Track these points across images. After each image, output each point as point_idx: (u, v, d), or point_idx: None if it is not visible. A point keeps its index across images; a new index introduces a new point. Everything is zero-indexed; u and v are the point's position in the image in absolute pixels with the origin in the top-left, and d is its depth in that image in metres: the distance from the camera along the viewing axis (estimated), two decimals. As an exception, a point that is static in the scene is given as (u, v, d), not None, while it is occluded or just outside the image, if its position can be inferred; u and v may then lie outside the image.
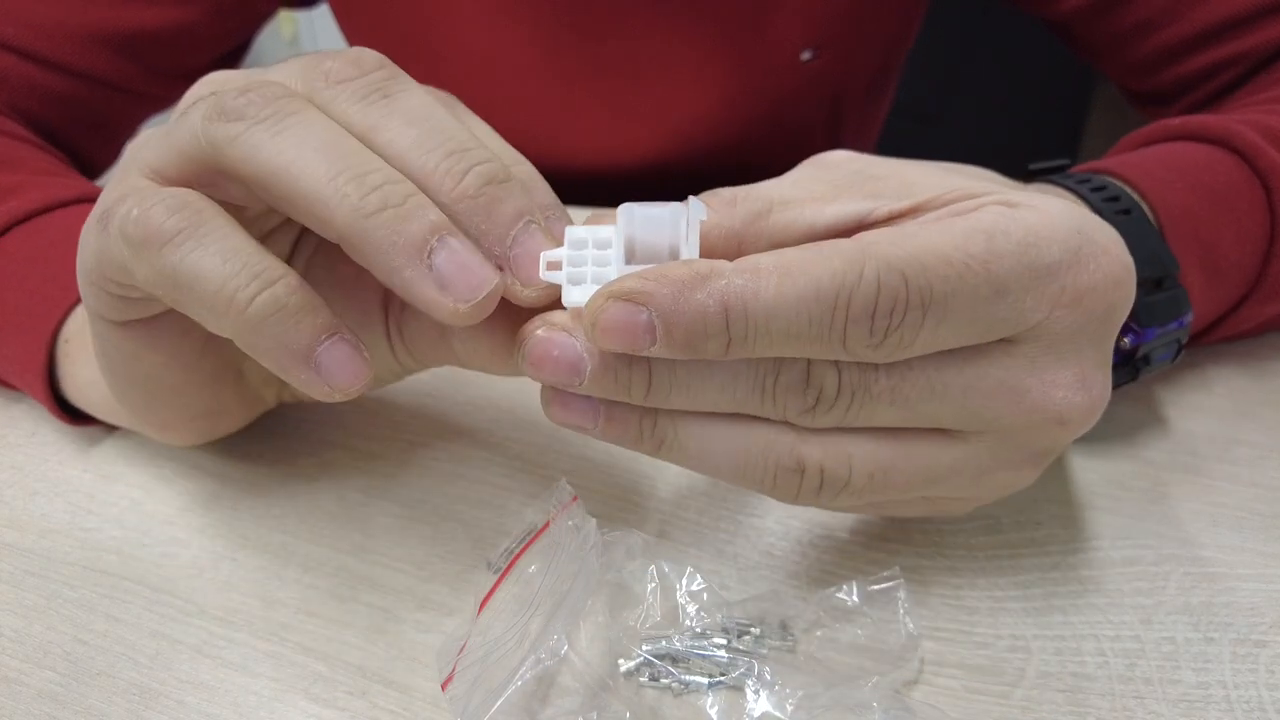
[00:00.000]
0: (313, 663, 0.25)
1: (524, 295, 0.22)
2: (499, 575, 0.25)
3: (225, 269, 0.20)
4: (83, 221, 0.24)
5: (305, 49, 2.22)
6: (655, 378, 0.21)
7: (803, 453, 0.22)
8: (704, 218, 0.21)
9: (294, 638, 0.26)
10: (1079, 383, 0.22)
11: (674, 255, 0.21)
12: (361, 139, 0.21)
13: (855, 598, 0.25)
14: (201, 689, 0.25)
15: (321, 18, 0.60)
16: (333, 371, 0.21)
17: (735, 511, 0.30)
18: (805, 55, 0.52)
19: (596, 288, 0.20)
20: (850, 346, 0.20)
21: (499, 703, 0.22)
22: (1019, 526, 0.28)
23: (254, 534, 0.30)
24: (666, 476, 0.31)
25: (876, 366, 0.21)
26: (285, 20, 2.14)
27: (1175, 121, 0.36)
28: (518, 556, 0.26)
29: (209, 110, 0.21)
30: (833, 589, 0.26)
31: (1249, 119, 0.35)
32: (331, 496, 0.31)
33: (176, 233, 0.21)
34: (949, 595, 0.27)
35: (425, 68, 0.55)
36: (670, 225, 0.21)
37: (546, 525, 0.26)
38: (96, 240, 0.22)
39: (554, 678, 0.24)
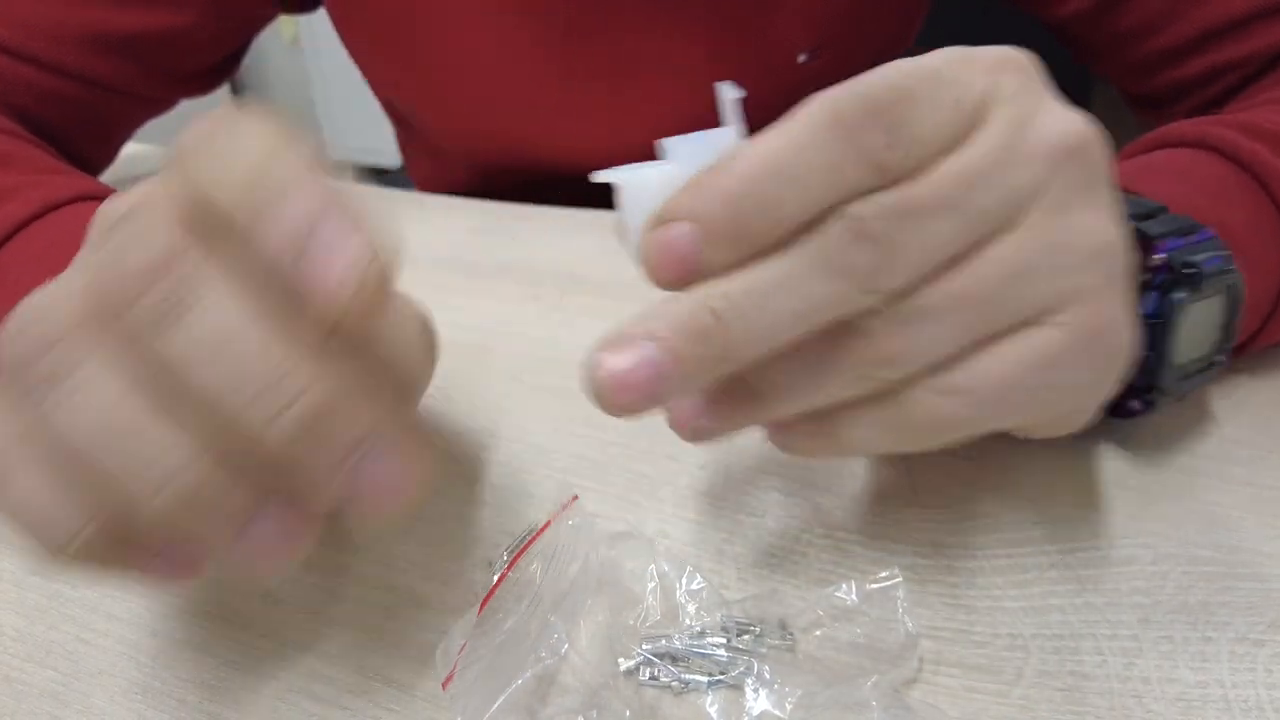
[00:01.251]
0: (314, 662, 0.26)
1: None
2: (500, 574, 0.25)
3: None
4: (81, 220, 0.24)
5: (305, 50, 2.22)
6: (719, 307, 0.20)
7: (880, 336, 0.21)
8: (739, 94, 0.21)
9: (295, 637, 0.26)
10: (1110, 216, 0.22)
11: (722, 138, 0.22)
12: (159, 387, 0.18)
13: (854, 597, 0.26)
14: (203, 688, 0.25)
15: (321, 20, 0.60)
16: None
17: (735, 511, 0.30)
18: (801, 57, 0.52)
19: (650, 170, 0.22)
20: (871, 146, 0.19)
21: (499, 701, 0.22)
22: (1017, 526, 0.29)
23: (255, 534, 0.30)
24: (666, 476, 0.32)
25: (906, 186, 0.20)
26: (286, 23, 2.14)
27: (1152, 134, 0.36)
28: (518, 556, 0.26)
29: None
30: (832, 588, 0.26)
31: (1225, 119, 0.35)
32: (332, 496, 0.31)
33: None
34: (947, 594, 0.27)
35: (421, 71, 0.55)
36: (706, 140, 0.22)
37: (547, 525, 0.26)
38: None
39: (554, 676, 0.25)
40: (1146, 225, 0.28)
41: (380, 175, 1.91)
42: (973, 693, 0.24)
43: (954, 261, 0.21)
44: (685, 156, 0.22)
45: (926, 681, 0.24)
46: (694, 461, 0.32)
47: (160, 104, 0.52)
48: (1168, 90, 0.46)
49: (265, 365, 0.18)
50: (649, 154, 0.54)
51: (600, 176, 0.22)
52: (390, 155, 2.33)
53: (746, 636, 0.25)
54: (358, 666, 0.25)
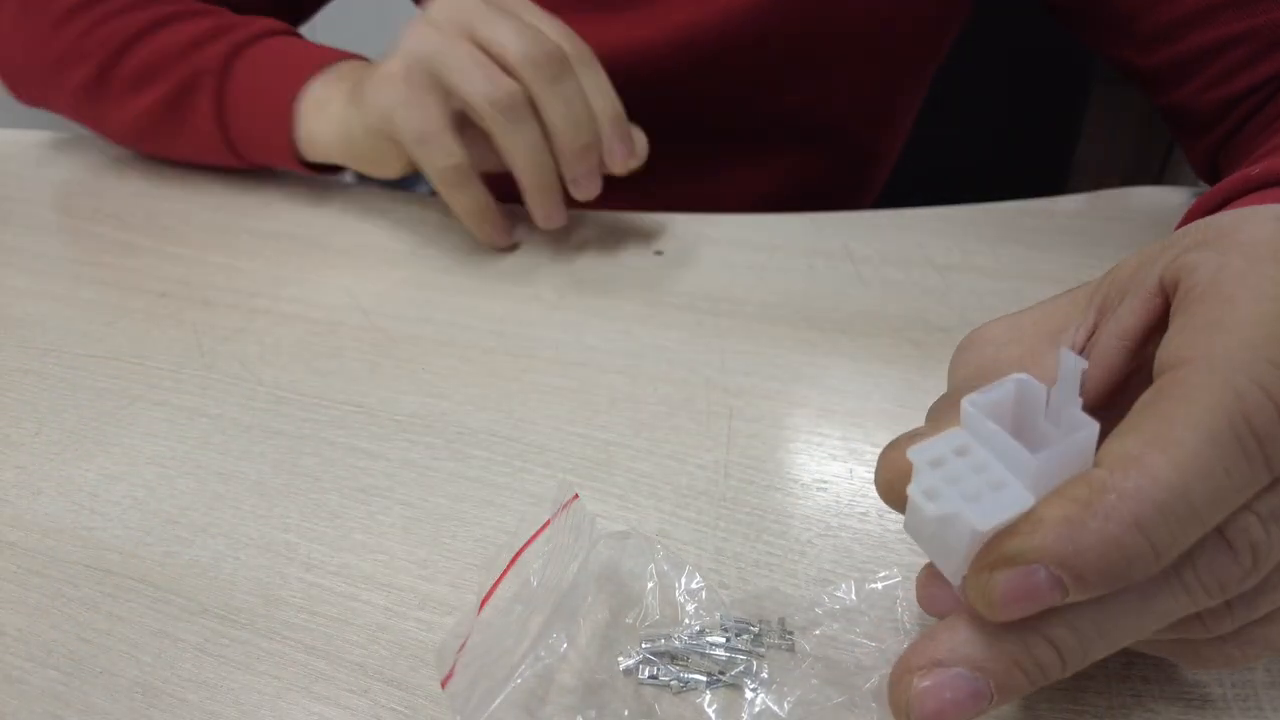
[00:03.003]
0: (315, 661, 0.26)
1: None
2: (499, 574, 0.26)
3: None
4: (286, 47, 0.49)
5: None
6: (1065, 644, 0.18)
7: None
8: (1084, 365, 0.18)
9: (296, 636, 0.26)
10: None
11: (1052, 419, 0.18)
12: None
13: (854, 596, 0.26)
14: (204, 687, 0.25)
15: (325, 20, 0.61)
16: None
17: (735, 510, 0.30)
18: None
19: (1001, 498, 0.17)
20: (1276, 459, 0.17)
21: (498, 700, 0.22)
22: (1018, 525, 0.28)
23: (256, 533, 0.30)
24: (667, 476, 0.32)
25: None
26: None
27: (1255, 170, 0.33)
28: (518, 555, 0.26)
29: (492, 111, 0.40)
30: (831, 588, 0.26)
31: None
32: (333, 495, 0.31)
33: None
34: (947, 594, 0.27)
35: None
36: (1022, 403, 0.18)
37: (547, 524, 0.26)
38: (397, 149, 0.43)
39: (554, 675, 0.25)
40: None
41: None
42: (972, 692, 0.24)
43: None
44: (1033, 469, 0.17)
45: (926, 681, 0.24)
46: (694, 461, 0.32)
47: None
48: (1175, 65, 0.45)
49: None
50: (704, 57, 0.55)
51: (915, 493, 0.17)
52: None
53: (746, 636, 0.25)
54: (359, 665, 0.25)
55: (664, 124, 0.58)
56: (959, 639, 0.18)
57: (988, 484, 0.17)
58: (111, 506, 0.31)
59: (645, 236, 0.49)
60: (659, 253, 0.47)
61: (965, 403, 0.18)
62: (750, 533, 0.29)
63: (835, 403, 0.35)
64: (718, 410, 0.35)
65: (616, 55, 0.54)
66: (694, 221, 0.50)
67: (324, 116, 0.47)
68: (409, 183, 0.92)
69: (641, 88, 0.55)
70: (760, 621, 0.26)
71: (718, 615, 0.26)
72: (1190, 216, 0.35)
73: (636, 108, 0.57)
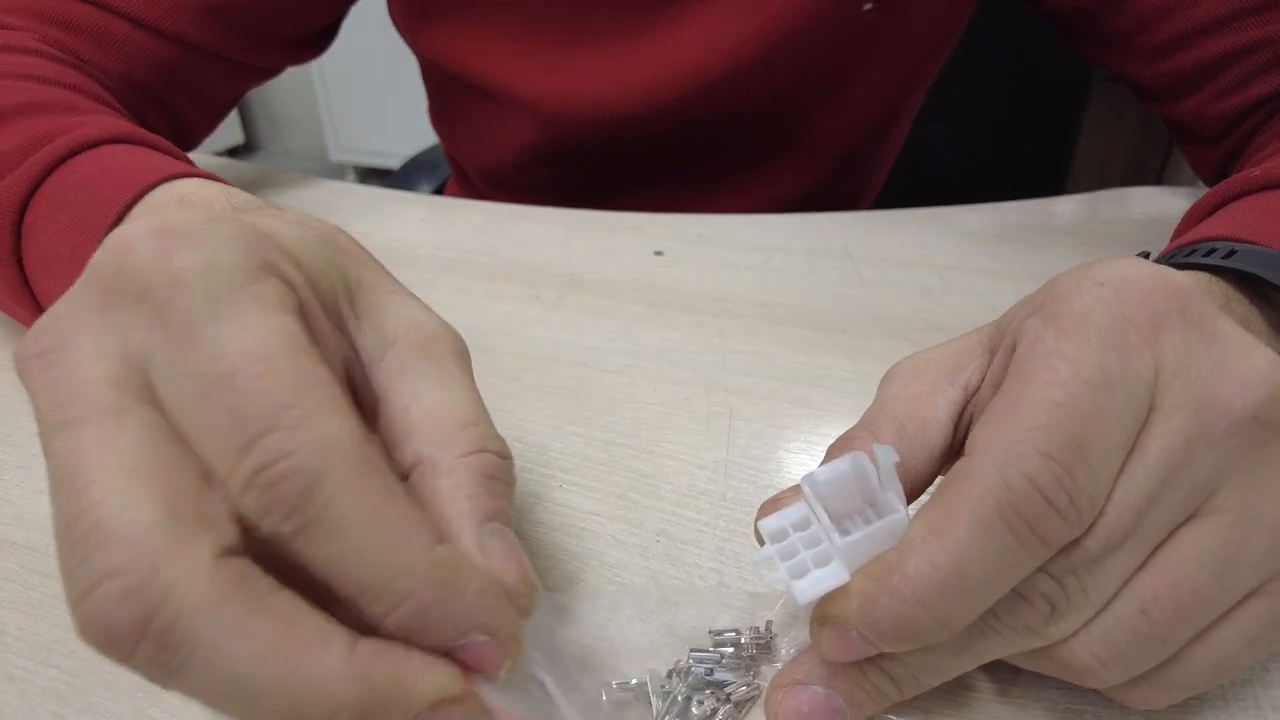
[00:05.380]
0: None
1: None
2: None
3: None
4: (110, 159, 0.31)
5: None
6: (897, 675, 0.21)
7: (1070, 654, 0.20)
8: (896, 459, 0.20)
9: (296, 636, 0.26)
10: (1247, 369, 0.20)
11: (874, 506, 0.20)
12: None
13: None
14: (205, 686, 0.25)
15: None
16: None
17: (734, 510, 0.30)
18: (867, 6, 0.51)
19: (821, 573, 0.20)
20: (1051, 536, 0.19)
21: None
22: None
23: (257, 533, 0.30)
24: (666, 475, 0.32)
25: (1076, 542, 0.19)
26: None
27: (1256, 173, 0.34)
28: None
29: None
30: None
31: None
32: (334, 496, 0.31)
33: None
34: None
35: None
36: (857, 480, 0.20)
37: None
38: None
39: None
40: None
41: (383, 176, 1.90)
42: (970, 691, 0.24)
43: (1144, 565, 0.20)
44: (847, 550, 0.20)
45: (925, 680, 0.24)
46: (694, 461, 0.32)
47: (263, 73, 0.53)
48: (1182, 76, 0.45)
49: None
50: (713, 91, 0.54)
51: (759, 560, 0.21)
52: (393, 157, 2.33)
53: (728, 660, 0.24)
54: (359, 665, 0.25)
55: (668, 150, 0.58)
56: (815, 662, 0.22)
57: (814, 559, 0.21)
58: (112, 506, 0.31)
59: (645, 236, 0.49)
60: (659, 253, 0.47)
61: (803, 481, 0.21)
62: (750, 532, 0.29)
63: (835, 403, 0.35)
64: (718, 410, 0.35)
65: (628, 91, 0.55)
66: (694, 221, 0.50)
67: None
68: (410, 183, 0.93)
69: (648, 121, 0.56)
70: (734, 630, 0.25)
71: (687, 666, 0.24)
72: (1188, 218, 0.35)
73: (643, 139, 0.57)
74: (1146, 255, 0.27)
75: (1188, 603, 0.19)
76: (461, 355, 0.23)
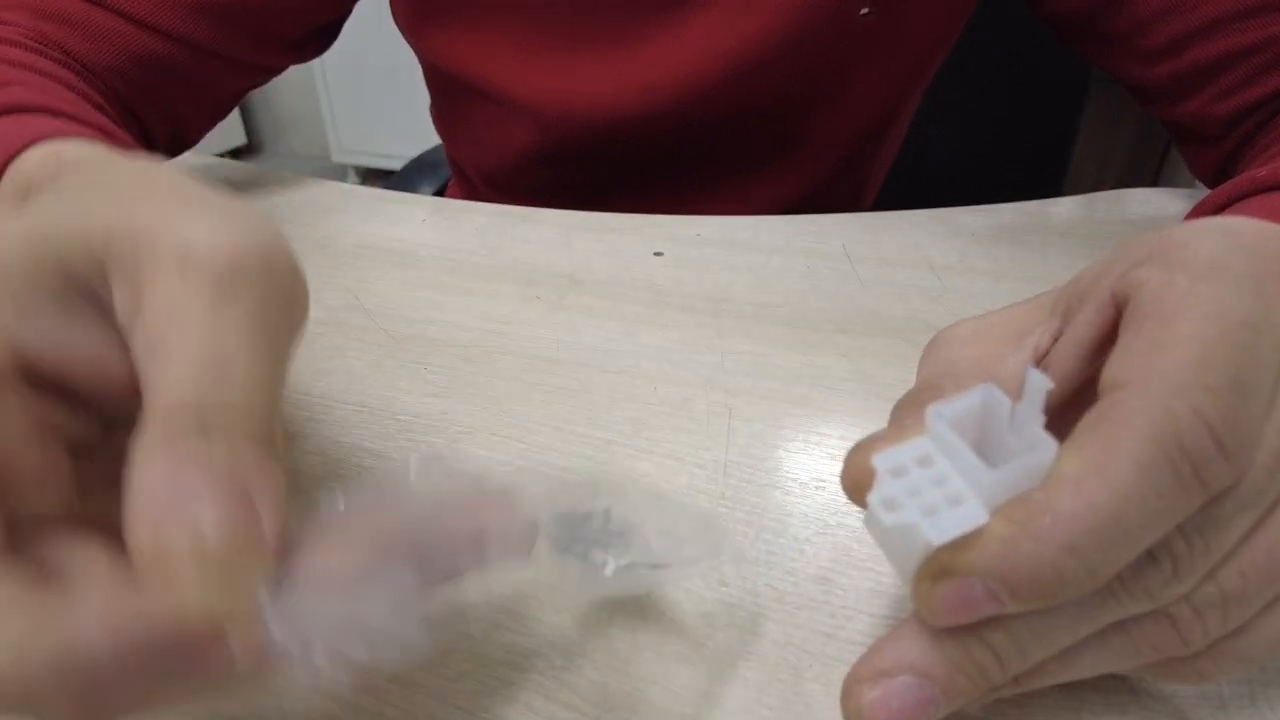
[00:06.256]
0: (317, 658, 0.26)
1: None
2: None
3: None
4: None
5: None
6: (1002, 649, 0.19)
7: (1178, 624, 0.19)
8: (1049, 386, 0.18)
9: (298, 634, 0.26)
10: None
11: (1002, 448, 0.19)
12: None
13: None
14: (207, 684, 0.25)
15: None
16: None
17: (734, 509, 0.30)
18: (864, 10, 0.51)
19: (958, 513, 0.18)
20: (1211, 479, 0.17)
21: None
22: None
23: (259, 532, 0.30)
24: (667, 475, 0.32)
25: (1217, 499, 0.18)
26: None
27: (1262, 173, 0.34)
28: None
29: None
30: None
31: None
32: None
33: None
34: (945, 592, 0.27)
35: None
36: (987, 415, 0.19)
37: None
38: None
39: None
40: None
41: (385, 177, 1.91)
42: (969, 689, 0.24)
43: (1248, 538, 0.19)
44: (987, 484, 0.18)
45: (923, 678, 0.24)
46: (694, 461, 0.32)
47: (262, 72, 0.52)
48: (1182, 77, 0.45)
49: None
50: (712, 94, 0.55)
51: (876, 502, 0.18)
52: (394, 158, 2.33)
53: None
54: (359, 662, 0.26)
55: (668, 152, 0.59)
56: (903, 647, 0.19)
57: (945, 498, 0.18)
58: (115, 505, 0.31)
59: (645, 236, 0.49)
60: (659, 253, 0.47)
61: (930, 412, 0.18)
62: (749, 531, 0.29)
63: (834, 403, 0.36)
64: (718, 410, 0.35)
65: (627, 93, 0.55)
66: (694, 222, 0.51)
67: None
68: (411, 184, 0.93)
69: (647, 123, 0.56)
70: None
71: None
72: (1192, 217, 0.35)
73: (643, 141, 0.57)
74: None
75: (1275, 567, 0.18)
76: (224, 287, 0.17)
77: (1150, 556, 0.18)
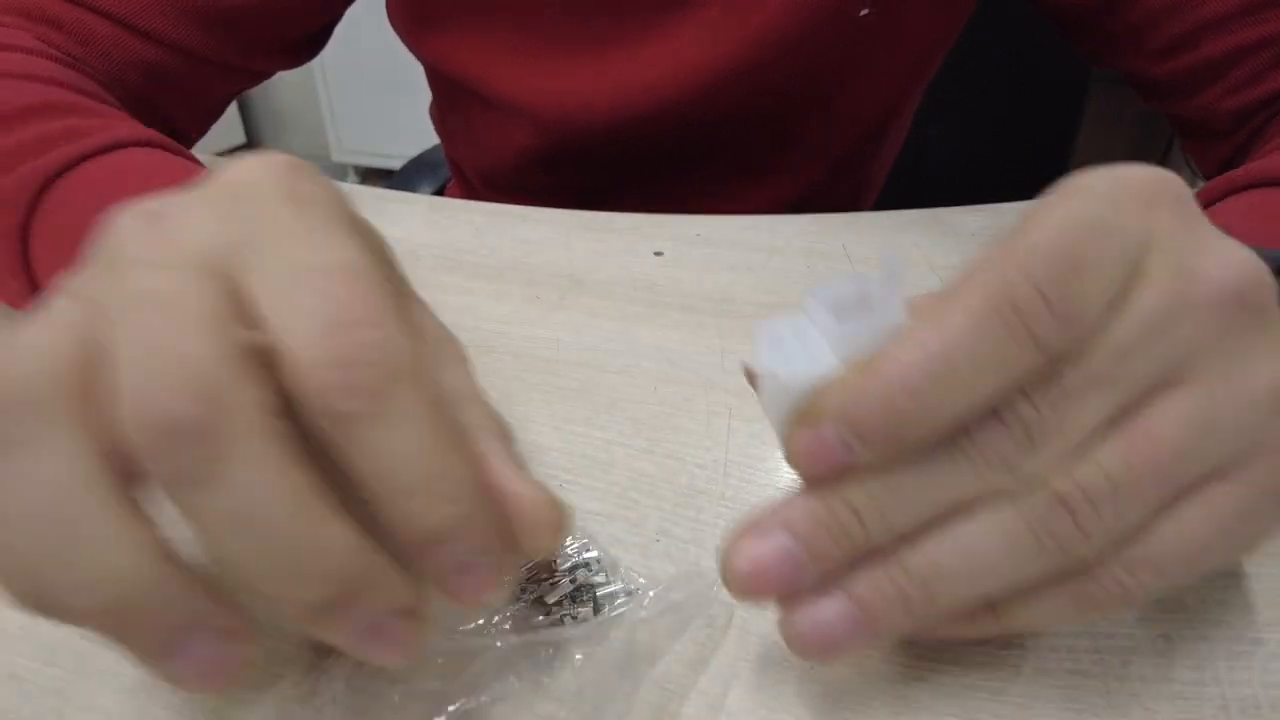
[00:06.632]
0: (317, 660, 0.26)
1: None
2: None
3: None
4: (140, 159, 0.32)
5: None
6: (861, 506, 0.20)
7: (1053, 487, 0.20)
8: (899, 264, 0.20)
9: (298, 635, 0.26)
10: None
11: (878, 307, 0.20)
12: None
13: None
14: (206, 685, 0.25)
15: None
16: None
17: (734, 510, 0.30)
18: (864, 11, 0.51)
19: (812, 362, 0.20)
20: (1041, 334, 0.19)
21: None
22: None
23: (258, 533, 0.30)
24: (667, 474, 0.32)
25: (1057, 370, 0.19)
26: None
27: (1238, 173, 0.34)
28: None
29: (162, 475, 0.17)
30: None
31: None
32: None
33: None
34: (946, 593, 0.27)
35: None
36: (859, 296, 0.20)
37: None
38: None
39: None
40: None
41: (385, 176, 1.91)
42: (970, 690, 0.24)
43: (1123, 424, 0.20)
44: (840, 339, 0.20)
45: (924, 679, 0.24)
46: (694, 461, 0.32)
47: (253, 76, 0.52)
48: (1189, 73, 0.45)
49: (299, 551, 0.17)
50: (711, 94, 0.54)
51: (751, 362, 0.21)
52: (394, 157, 2.33)
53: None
54: (360, 664, 0.26)
55: (667, 153, 0.58)
56: (778, 507, 0.21)
57: (807, 355, 0.20)
58: (113, 506, 0.31)
59: (645, 237, 0.49)
60: (659, 253, 0.47)
61: (807, 294, 0.21)
62: (750, 532, 0.29)
63: (835, 403, 0.35)
64: (718, 410, 0.35)
65: (625, 94, 0.55)
66: (694, 222, 0.50)
67: None
68: (411, 183, 0.93)
69: (646, 125, 0.56)
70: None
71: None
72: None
73: (641, 142, 0.57)
74: None
75: (1165, 457, 0.19)
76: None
77: (998, 419, 0.19)
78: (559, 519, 0.21)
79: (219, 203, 0.20)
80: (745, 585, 0.21)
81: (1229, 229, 0.27)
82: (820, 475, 0.20)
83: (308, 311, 0.17)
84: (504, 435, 0.22)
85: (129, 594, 0.17)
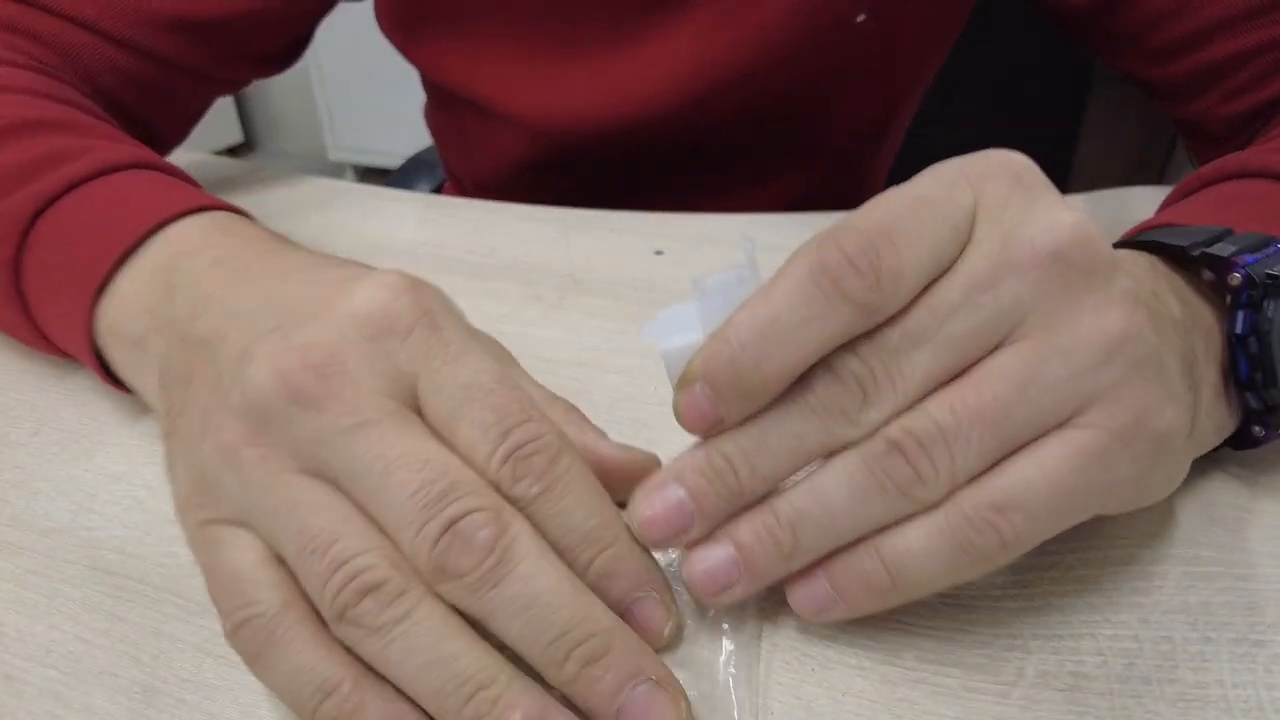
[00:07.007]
0: None
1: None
2: None
3: (292, 686, 0.22)
4: (133, 184, 0.33)
5: (308, 52, 2.22)
6: (733, 455, 0.23)
7: (886, 433, 0.22)
8: (753, 243, 0.24)
9: (295, 636, 0.26)
10: (1119, 306, 0.22)
11: (742, 295, 0.23)
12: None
13: None
14: (203, 687, 0.25)
15: (323, 23, 0.60)
16: None
17: (735, 511, 0.30)
18: (861, 17, 0.51)
19: (685, 336, 0.24)
20: (851, 293, 0.21)
21: None
22: (1018, 526, 0.28)
23: (256, 533, 0.30)
24: (666, 476, 0.32)
25: (881, 329, 0.22)
26: None
27: (1208, 167, 0.35)
28: None
29: (332, 609, 0.21)
30: None
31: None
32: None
33: (255, 655, 0.22)
34: (946, 594, 0.27)
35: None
36: (741, 282, 0.24)
37: None
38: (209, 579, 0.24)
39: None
40: (1217, 248, 0.28)
41: (382, 175, 1.90)
42: (973, 693, 0.24)
43: (957, 379, 0.22)
44: (712, 311, 0.23)
45: (926, 681, 0.24)
46: (694, 461, 0.32)
47: (231, 84, 0.52)
48: (1192, 76, 0.45)
49: (561, 616, 0.21)
50: (707, 100, 0.53)
51: (645, 336, 0.25)
52: (392, 156, 2.33)
53: None
54: (358, 666, 0.25)
55: (660, 160, 0.58)
56: (669, 465, 0.24)
57: (685, 331, 0.24)
58: (111, 506, 0.31)
59: (645, 236, 0.49)
60: (659, 252, 0.47)
61: (691, 280, 0.24)
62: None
63: (835, 403, 0.35)
64: (718, 410, 0.35)
65: (617, 102, 0.54)
66: (694, 221, 0.50)
67: (137, 360, 0.31)
68: (408, 182, 0.92)
69: (641, 130, 0.55)
70: None
71: None
72: (1172, 198, 0.37)
73: (635, 149, 0.57)
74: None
75: (990, 407, 0.21)
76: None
77: (835, 376, 0.22)
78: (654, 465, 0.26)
79: (374, 345, 0.24)
80: (648, 532, 0.23)
81: (1198, 217, 0.29)
82: (699, 430, 0.23)
83: (482, 426, 0.23)
84: (573, 408, 0.27)
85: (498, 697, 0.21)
